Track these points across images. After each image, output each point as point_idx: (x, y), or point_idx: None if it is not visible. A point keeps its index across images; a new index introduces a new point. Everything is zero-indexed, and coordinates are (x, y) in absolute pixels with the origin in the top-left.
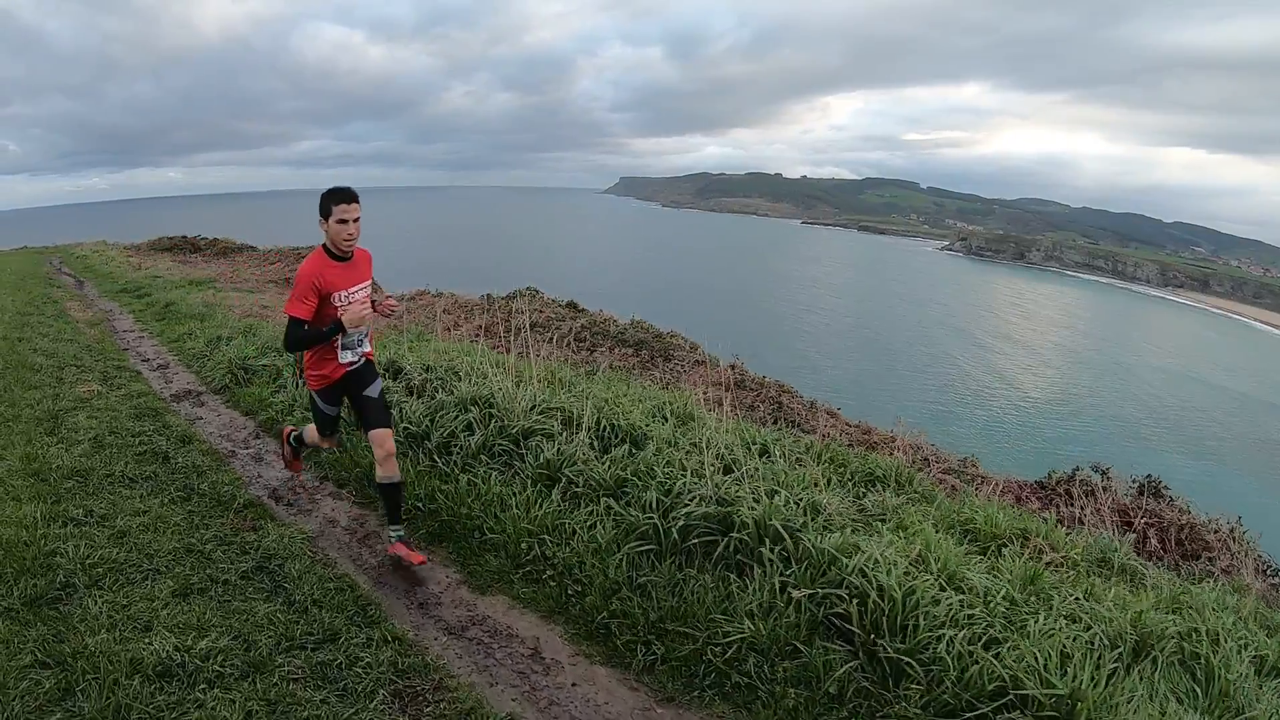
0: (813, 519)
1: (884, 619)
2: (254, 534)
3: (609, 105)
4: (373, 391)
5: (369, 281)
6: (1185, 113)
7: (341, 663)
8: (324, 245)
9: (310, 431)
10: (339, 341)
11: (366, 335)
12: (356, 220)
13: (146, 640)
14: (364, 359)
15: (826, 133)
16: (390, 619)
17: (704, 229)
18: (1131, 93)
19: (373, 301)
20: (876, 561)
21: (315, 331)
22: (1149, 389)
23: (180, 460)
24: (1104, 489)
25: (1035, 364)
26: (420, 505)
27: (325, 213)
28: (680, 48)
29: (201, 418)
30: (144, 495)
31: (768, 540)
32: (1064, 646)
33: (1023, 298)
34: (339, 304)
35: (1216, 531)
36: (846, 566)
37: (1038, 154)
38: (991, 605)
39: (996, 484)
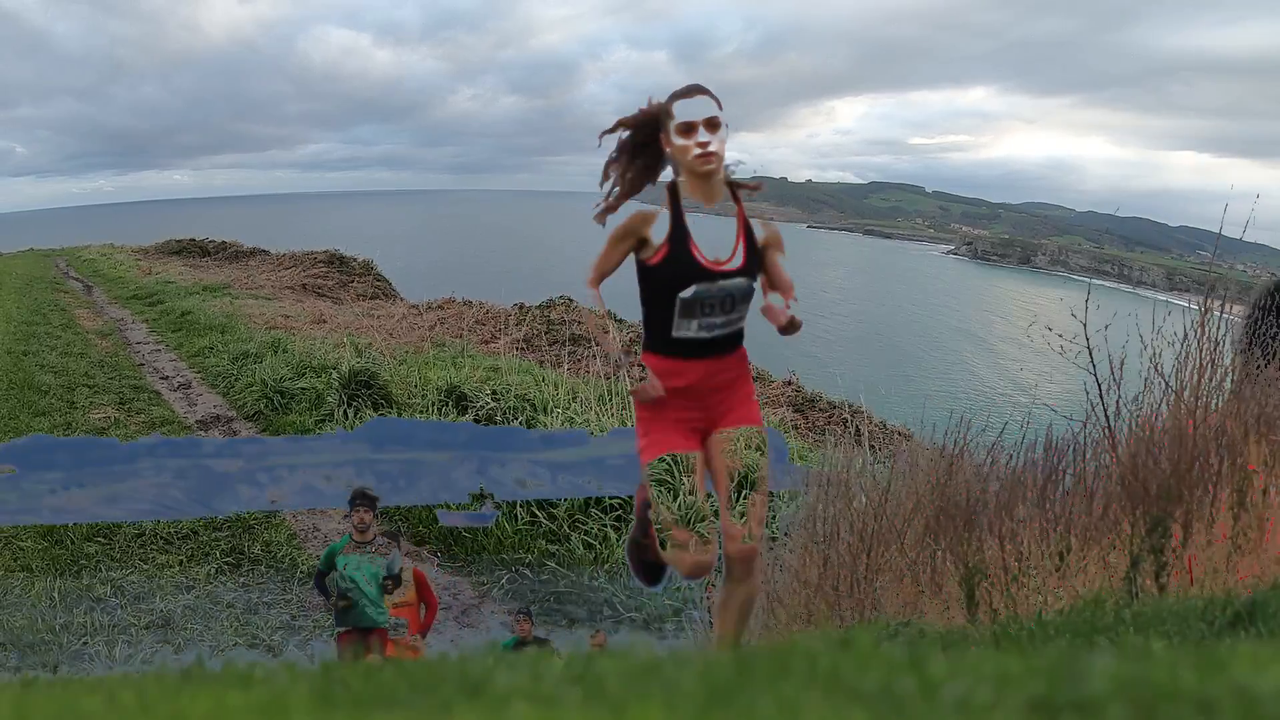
0: None
1: None
2: (325, 614)
3: (615, 109)
4: None
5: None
6: (1191, 116)
7: None
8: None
9: None
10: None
11: None
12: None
13: None
14: None
15: (832, 136)
16: None
17: None
18: (1138, 96)
19: None
20: None
21: None
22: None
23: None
24: None
25: (1047, 369)
26: (529, 573)
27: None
28: (686, 51)
29: None
30: (184, 562)
31: None
32: None
33: (1033, 302)
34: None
35: None
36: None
37: (1044, 158)
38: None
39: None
